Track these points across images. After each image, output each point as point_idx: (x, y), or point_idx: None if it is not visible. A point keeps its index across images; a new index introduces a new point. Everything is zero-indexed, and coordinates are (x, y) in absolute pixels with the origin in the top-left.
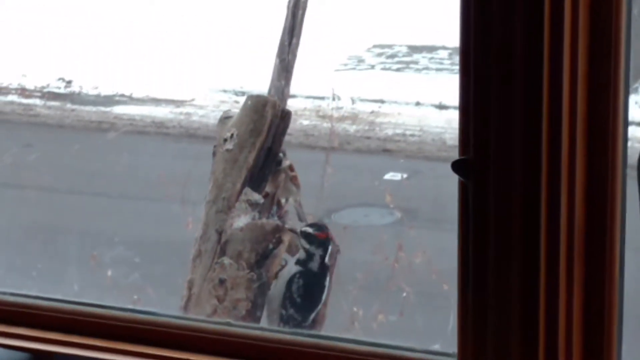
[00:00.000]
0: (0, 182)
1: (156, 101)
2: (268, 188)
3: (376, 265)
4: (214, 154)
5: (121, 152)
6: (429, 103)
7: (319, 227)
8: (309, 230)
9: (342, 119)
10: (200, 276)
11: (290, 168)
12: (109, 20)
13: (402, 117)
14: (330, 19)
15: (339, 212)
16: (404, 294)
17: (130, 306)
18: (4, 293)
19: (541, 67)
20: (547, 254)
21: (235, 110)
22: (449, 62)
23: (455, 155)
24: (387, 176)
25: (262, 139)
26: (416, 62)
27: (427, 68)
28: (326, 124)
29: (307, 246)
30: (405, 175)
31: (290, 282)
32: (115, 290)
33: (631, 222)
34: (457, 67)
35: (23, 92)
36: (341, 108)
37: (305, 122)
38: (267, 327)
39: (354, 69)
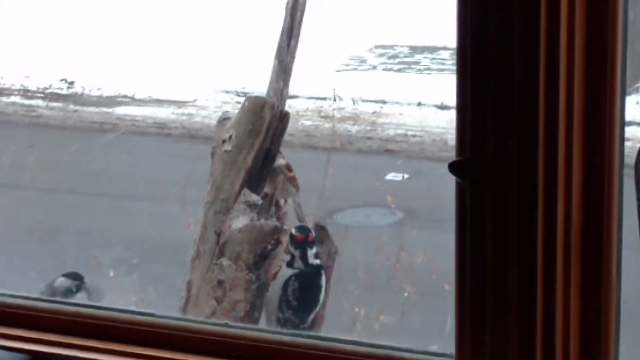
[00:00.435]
0: (1, 182)
1: (158, 102)
2: (267, 189)
3: (378, 265)
4: (213, 155)
5: (123, 153)
6: (430, 103)
7: (301, 228)
8: (292, 231)
9: (343, 119)
10: (199, 277)
11: (288, 168)
12: (112, 21)
13: (404, 118)
14: (332, 19)
15: (340, 213)
16: (406, 294)
17: (131, 307)
18: (3, 294)
19: (538, 67)
20: (544, 254)
21: (236, 111)
22: (450, 62)
23: None
24: (389, 176)
25: (261, 140)
26: (418, 63)
27: (428, 68)
28: (328, 125)
29: (290, 247)
30: (406, 176)
31: (285, 285)
32: (116, 291)
33: (628, 221)
34: None
35: (25, 93)
36: (343, 108)
37: (307, 123)
38: (266, 328)
39: (355, 69)
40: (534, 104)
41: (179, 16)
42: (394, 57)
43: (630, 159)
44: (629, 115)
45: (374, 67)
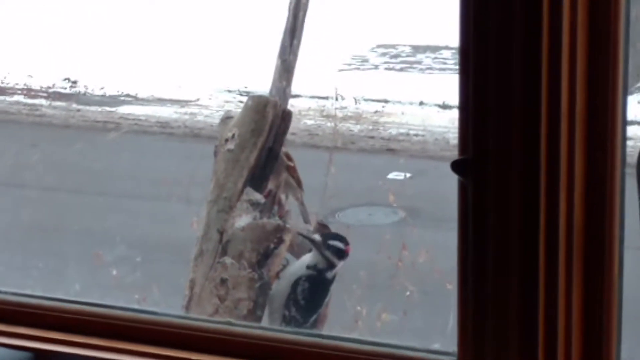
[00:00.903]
0: (4, 181)
1: (161, 101)
2: (270, 185)
3: (380, 264)
4: (216, 154)
5: (126, 152)
6: (432, 103)
7: (344, 240)
8: (340, 245)
9: (346, 118)
10: (202, 276)
11: (287, 156)
12: (114, 20)
13: (406, 117)
14: (334, 19)
15: (343, 212)
16: (408, 293)
17: (134, 305)
18: (6, 293)
19: (540, 66)
20: (546, 253)
21: (239, 110)
22: (452, 62)
23: None
24: (391, 176)
25: (263, 139)
26: (420, 62)
27: (430, 68)
28: (330, 124)
29: (333, 259)
30: (408, 175)
31: (295, 284)
32: (119, 290)
33: (630, 221)
34: None
35: (29, 92)
36: (345, 108)
37: (309, 122)
38: (269, 326)
39: (357, 68)
40: (536, 103)
41: (182, 15)
42: (396, 56)
43: (632, 158)
44: (630, 115)
45: (376, 67)
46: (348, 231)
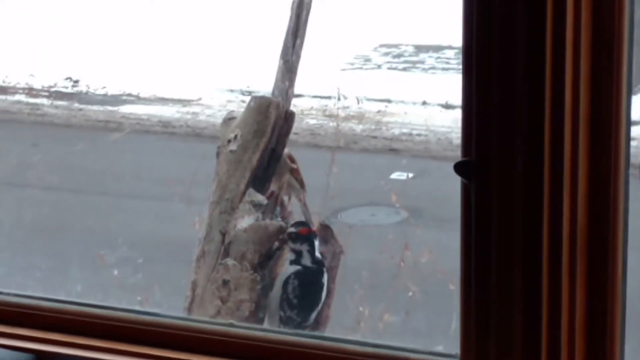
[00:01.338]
0: (6, 181)
1: (163, 100)
2: (272, 187)
3: (382, 264)
4: (218, 154)
5: (128, 152)
6: (435, 102)
7: (300, 223)
8: (292, 229)
9: (348, 118)
10: (204, 277)
11: (291, 159)
12: (116, 19)
13: (409, 117)
14: (336, 18)
15: (345, 212)
16: (410, 294)
17: (136, 306)
18: (8, 294)
19: (544, 66)
20: (549, 254)
21: (242, 110)
22: (455, 61)
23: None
24: (394, 175)
25: (266, 140)
26: (422, 62)
27: (433, 67)
28: (332, 124)
29: (292, 245)
30: (411, 175)
31: (285, 283)
32: (121, 290)
33: (634, 222)
34: None
35: (30, 91)
36: (347, 107)
37: (312, 122)
38: (271, 328)
39: (360, 68)
40: (539, 104)
41: (183, 14)
42: (398, 56)
43: (636, 158)
44: (634, 115)
45: (379, 66)
46: (350, 231)
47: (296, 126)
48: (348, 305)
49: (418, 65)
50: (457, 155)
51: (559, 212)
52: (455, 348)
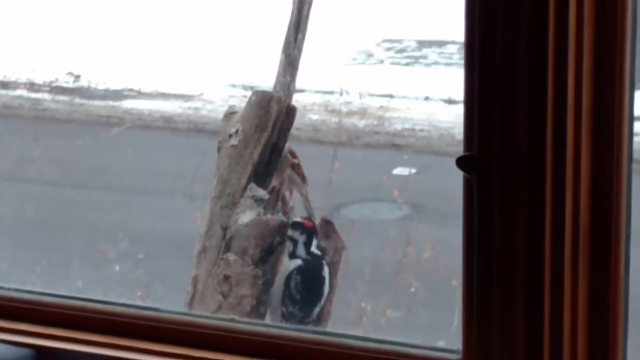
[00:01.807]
0: (7, 176)
1: (165, 96)
2: (274, 182)
3: (384, 260)
4: (219, 149)
5: (129, 147)
6: (438, 98)
7: (307, 218)
8: (297, 219)
9: (350, 113)
10: (205, 272)
11: (292, 154)
12: (118, 14)
13: (411, 112)
14: (339, 13)
15: (347, 207)
16: (412, 289)
17: (137, 302)
18: (8, 289)
19: (546, 62)
20: (551, 250)
21: (243, 105)
22: (458, 56)
23: None
24: (396, 171)
25: (267, 135)
26: (425, 57)
27: (436, 63)
28: (335, 119)
29: (291, 233)
30: (414, 170)
31: (288, 279)
32: (122, 286)
33: (637, 218)
34: None
35: (31, 86)
36: (350, 103)
37: (314, 117)
38: (272, 323)
39: (363, 63)
40: (542, 99)
41: (185, 9)
42: (401, 51)
43: (639, 154)
44: (637, 111)
45: (381, 61)
46: (352, 227)
47: (298, 122)
48: (350, 300)
49: (421, 60)
50: (460, 150)
51: (561, 207)
52: (457, 344)
